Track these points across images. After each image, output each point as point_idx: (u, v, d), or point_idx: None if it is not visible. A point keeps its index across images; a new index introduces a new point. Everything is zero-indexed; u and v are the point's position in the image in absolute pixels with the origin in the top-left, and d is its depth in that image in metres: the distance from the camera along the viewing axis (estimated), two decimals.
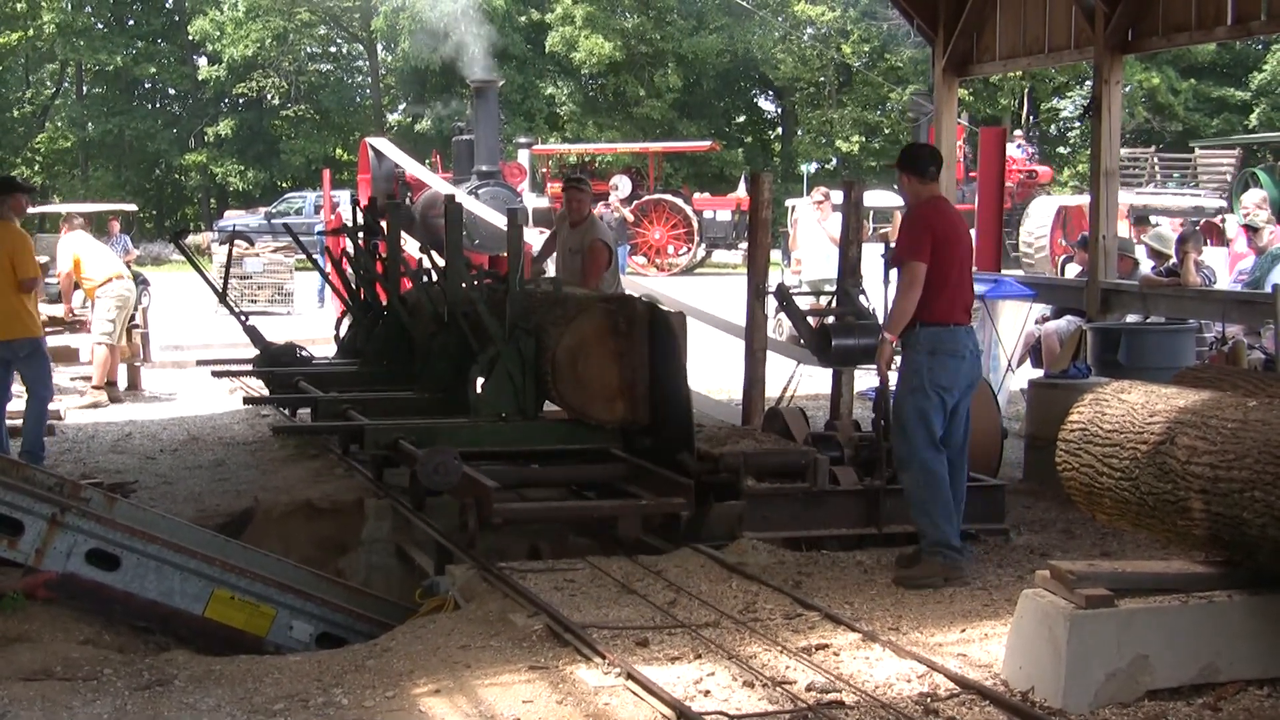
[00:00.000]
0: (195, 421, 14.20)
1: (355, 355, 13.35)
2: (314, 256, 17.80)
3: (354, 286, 14.28)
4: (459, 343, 10.63)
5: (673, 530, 8.50)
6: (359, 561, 9.45)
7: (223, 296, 13.76)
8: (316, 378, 12.33)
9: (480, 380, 9.67)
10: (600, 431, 9.42)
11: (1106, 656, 5.70)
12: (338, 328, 14.64)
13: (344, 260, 14.89)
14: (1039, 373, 13.03)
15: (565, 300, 9.68)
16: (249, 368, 13.92)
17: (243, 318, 13.78)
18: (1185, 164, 34.21)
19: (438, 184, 24.47)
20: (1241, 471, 5.81)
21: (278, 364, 13.20)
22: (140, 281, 26.02)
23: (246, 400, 13.16)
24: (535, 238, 21.28)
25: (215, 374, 14.59)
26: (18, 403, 12.02)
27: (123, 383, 16.51)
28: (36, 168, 59.10)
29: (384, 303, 13.20)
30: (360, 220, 14.11)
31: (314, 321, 25.82)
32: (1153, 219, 23.74)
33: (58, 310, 16.81)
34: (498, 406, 9.55)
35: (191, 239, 44.40)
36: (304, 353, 13.75)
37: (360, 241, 14.09)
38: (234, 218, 45.88)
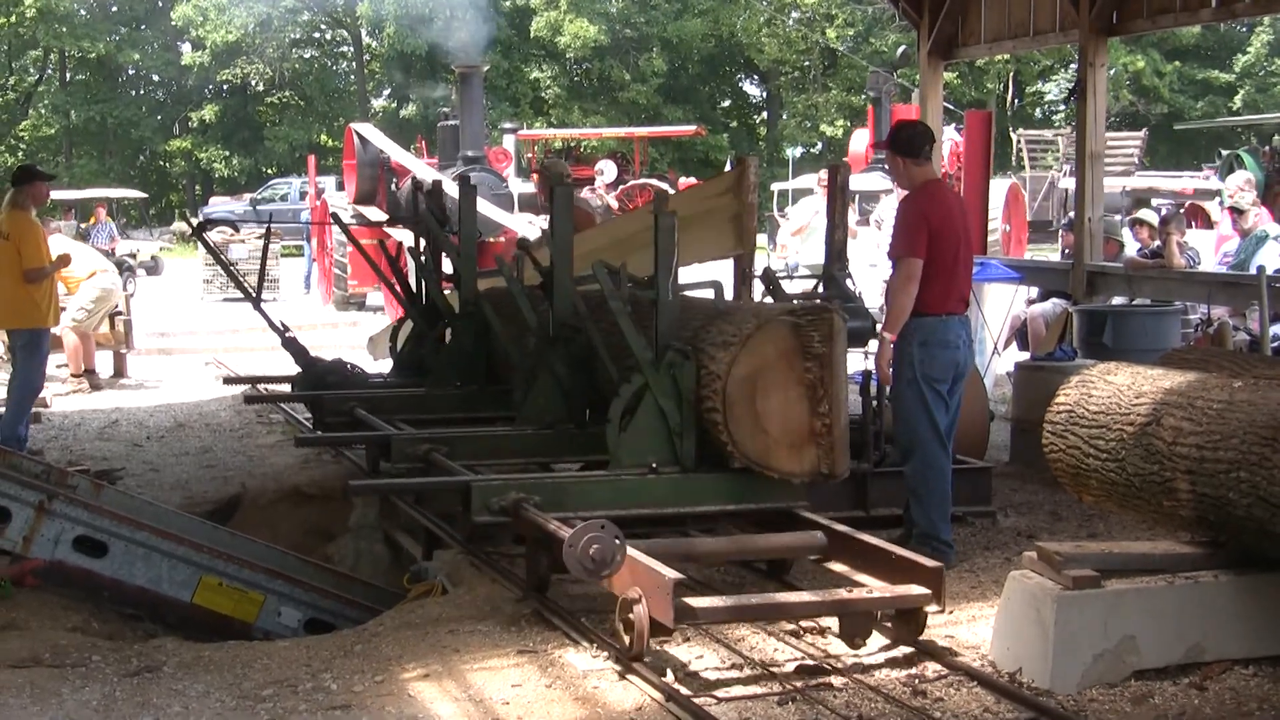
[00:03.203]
0: (182, 408, 14.19)
1: (417, 372, 10.86)
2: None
3: (415, 289, 11.55)
4: (571, 366, 8.36)
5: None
6: (347, 547, 9.44)
7: (256, 301, 11.17)
8: (374, 403, 9.79)
9: (619, 418, 7.24)
10: (783, 487, 7.12)
11: (1093, 637, 5.72)
12: (394, 338, 11.74)
13: (401, 256, 12.50)
14: (1025, 355, 13.05)
15: (734, 312, 7.30)
16: (286, 390, 11.45)
17: (281, 328, 11.12)
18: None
19: (423, 170, 24.43)
20: (1227, 452, 5.84)
21: (324, 385, 10.49)
22: (125, 269, 26.06)
23: (300, 442, 10.00)
24: (524, 226, 21.28)
25: (248, 399, 12.42)
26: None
27: (108, 370, 16.49)
28: (20, 155, 58.84)
29: (455, 308, 10.72)
30: (423, 207, 11.40)
31: (299, 308, 25.82)
32: (1155, 202, 23.80)
33: None
34: (644, 454, 7.11)
35: (178, 225, 44.36)
36: (353, 368, 11.15)
37: (415, 232, 11.73)
38: (219, 204, 45.84)
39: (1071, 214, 28.24)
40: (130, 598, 8.20)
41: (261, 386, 12.25)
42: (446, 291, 11.15)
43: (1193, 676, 5.78)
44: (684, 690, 5.58)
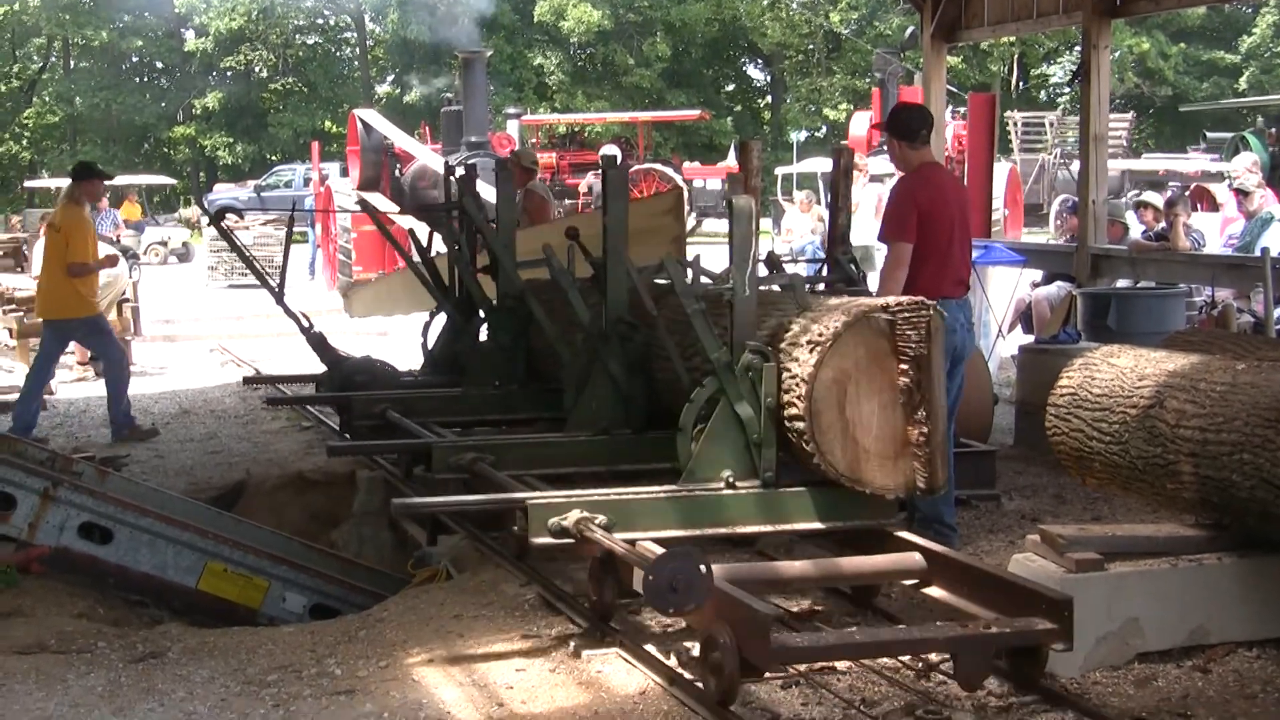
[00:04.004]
0: (187, 395, 14.21)
1: (450, 370, 10.14)
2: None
3: (448, 281, 10.65)
4: (628, 366, 7.73)
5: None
6: (351, 533, 9.44)
7: (280, 295, 10.64)
8: (407, 404, 9.14)
9: (691, 426, 6.57)
10: (875, 503, 6.38)
11: (1097, 620, 5.72)
12: (425, 333, 10.97)
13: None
14: (1029, 338, 13.04)
15: (818, 308, 6.51)
16: (312, 391, 10.92)
17: (308, 325, 10.58)
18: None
19: (427, 156, 24.45)
20: (1230, 434, 5.84)
21: (352, 385, 9.82)
22: (130, 256, 26.04)
23: (333, 451, 9.12)
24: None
25: (270, 402, 11.82)
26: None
27: None
28: (25, 143, 58.95)
29: (492, 301, 9.96)
30: (457, 192, 10.55)
31: (304, 294, 25.79)
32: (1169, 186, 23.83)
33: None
34: (720, 466, 6.40)
35: (183, 213, 44.35)
36: (382, 366, 10.42)
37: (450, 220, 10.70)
38: (223, 191, 45.84)
39: (1061, 197, 28.38)
40: (135, 584, 8.22)
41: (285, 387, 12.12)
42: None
43: (1196, 659, 5.78)
44: (687, 675, 5.58)
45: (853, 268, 8.92)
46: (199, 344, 18.89)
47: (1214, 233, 15.02)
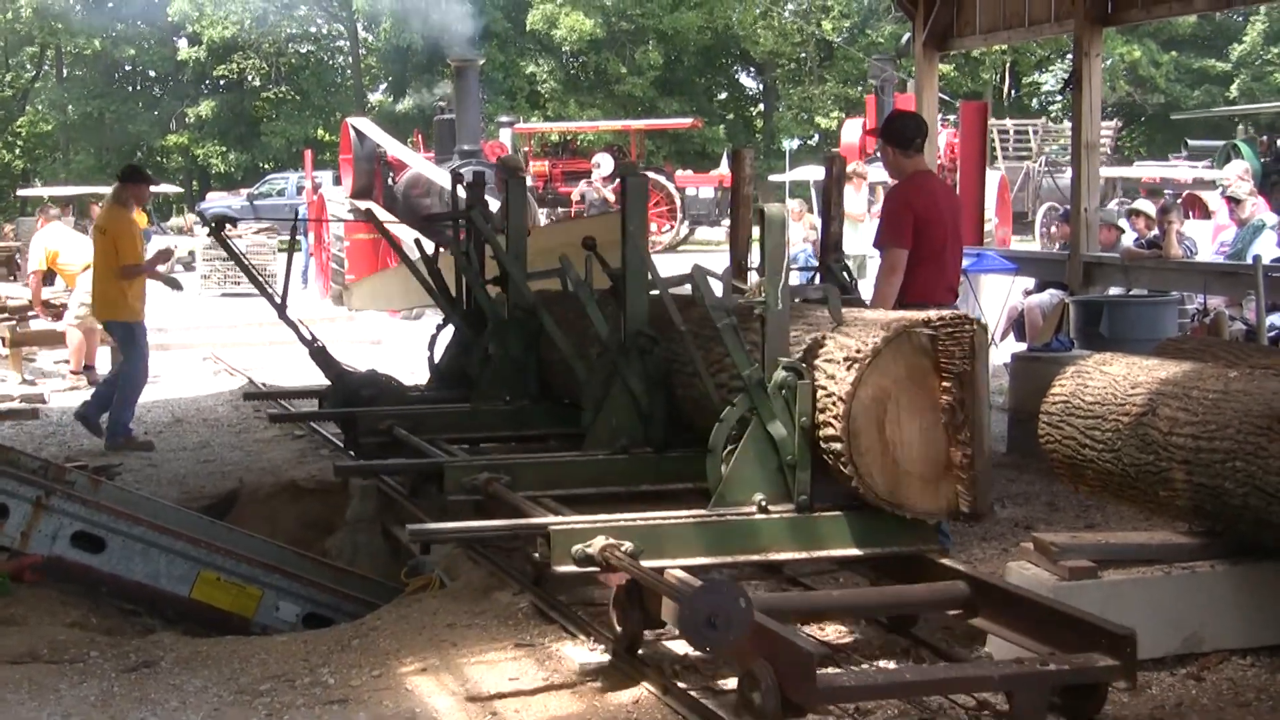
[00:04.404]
0: (179, 404, 14.19)
1: (458, 384, 9.83)
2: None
3: (455, 291, 10.32)
4: (648, 382, 7.38)
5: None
6: (344, 541, 9.44)
7: (282, 308, 10.27)
8: (414, 420, 8.79)
9: (722, 447, 6.22)
10: (915, 528, 6.09)
11: None
12: (432, 346, 10.62)
13: (439, 254, 10.84)
14: (1022, 346, 13.06)
15: (855, 323, 6.15)
16: (315, 408, 10.40)
17: (310, 339, 10.24)
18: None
19: (420, 164, 24.45)
20: (1223, 442, 5.85)
21: (358, 401, 9.45)
22: None
23: (340, 471, 8.53)
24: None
25: (274, 418, 11.30)
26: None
27: (106, 365, 16.46)
28: (18, 151, 58.88)
29: (502, 313, 9.51)
30: (465, 200, 10.16)
31: (297, 302, 25.73)
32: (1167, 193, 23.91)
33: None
34: (752, 490, 6.09)
35: (174, 221, 44.30)
36: (388, 380, 10.03)
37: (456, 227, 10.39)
38: (216, 199, 45.80)
39: (1047, 205, 28.44)
40: (128, 593, 8.21)
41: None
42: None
43: (1190, 667, 5.78)
44: (681, 683, 5.58)
45: (846, 276, 8.92)
46: (192, 353, 18.86)
47: (1206, 240, 15.06)
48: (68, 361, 15.88)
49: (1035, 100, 58.05)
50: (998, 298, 14.21)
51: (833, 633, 6.38)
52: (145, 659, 6.53)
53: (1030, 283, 14.61)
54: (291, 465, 10.75)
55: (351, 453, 9.27)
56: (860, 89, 54.20)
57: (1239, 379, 6.09)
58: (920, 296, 7.53)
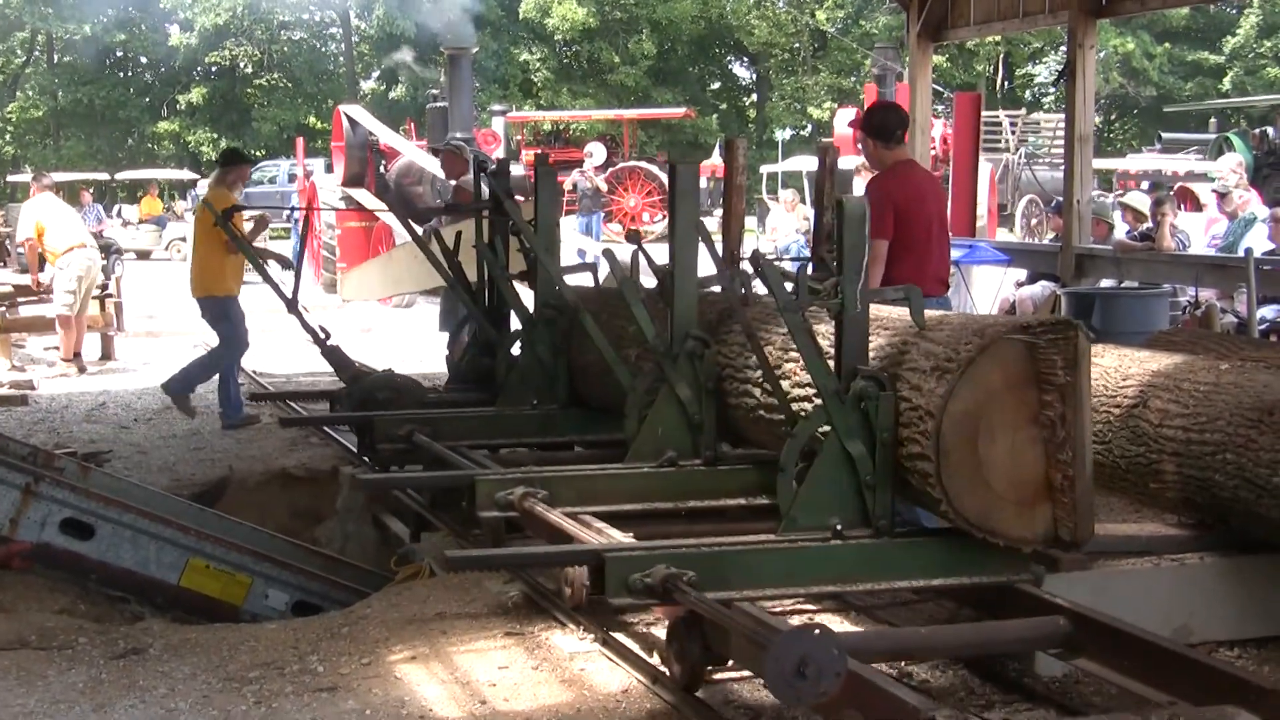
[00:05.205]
0: None
1: (480, 386, 9.33)
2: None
3: (479, 289, 9.73)
4: (698, 389, 6.76)
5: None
6: (334, 530, 9.43)
7: (293, 303, 9.94)
8: (435, 425, 8.23)
9: (793, 465, 5.67)
10: (1006, 556, 5.44)
11: None
12: (451, 344, 10.20)
13: (459, 244, 10.21)
14: None
15: (942, 328, 5.54)
16: (327, 411, 9.89)
17: (321, 334, 9.82)
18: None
19: (412, 152, 24.41)
20: (1214, 434, 5.85)
21: (374, 403, 8.97)
22: (113, 250, 26.02)
23: (365, 485, 8.15)
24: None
25: (283, 422, 10.41)
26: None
27: (96, 352, 16.45)
28: (8, 137, 58.75)
29: (530, 311, 8.94)
30: (488, 191, 9.46)
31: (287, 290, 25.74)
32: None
33: (26, 279, 16.80)
34: (826, 512, 5.53)
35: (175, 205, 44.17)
36: (405, 381, 9.42)
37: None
38: (205, 186, 45.69)
39: (1028, 197, 28.45)
40: (117, 580, 8.19)
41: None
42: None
43: None
44: (670, 673, 5.57)
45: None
46: (182, 339, 18.82)
47: (1198, 233, 15.09)
48: (57, 348, 15.84)
49: (1029, 92, 58.10)
50: (989, 289, 14.21)
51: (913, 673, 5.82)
52: (134, 646, 6.52)
53: (1022, 274, 14.61)
54: (282, 453, 10.74)
55: (366, 459, 8.73)
56: (854, 79, 54.29)
57: (1230, 372, 6.10)
58: None
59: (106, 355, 16.59)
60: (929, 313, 5.67)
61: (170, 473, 10.30)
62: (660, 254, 7.11)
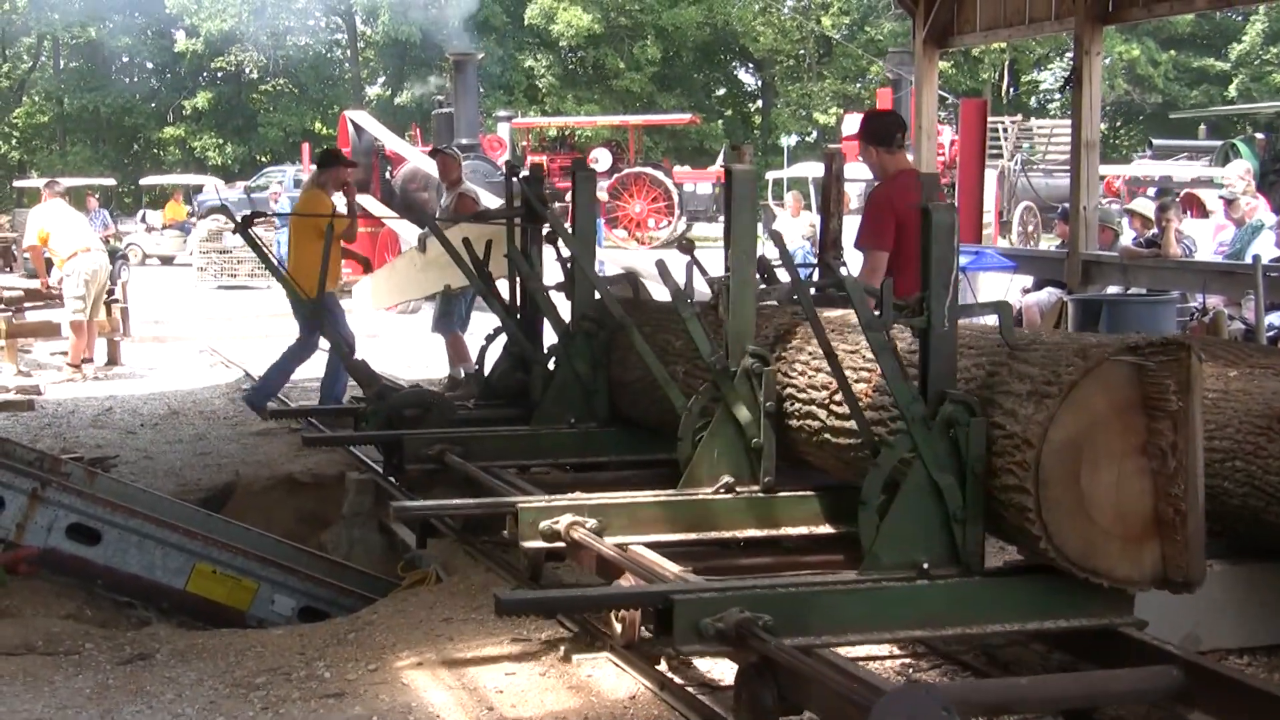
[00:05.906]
0: (175, 396, 14.17)
1: (513, 402, 8.85)
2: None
3: (512, 300, 9.23)
4: (756, 411, 6.29)
5: None
6: (341, 535, 9.41)
7: (317, 307, 9.75)
8: (467, 444, 7.85)
9: (875, 498, 5.16)
10: (1109, 598, 5.00)
11: None
12: (482, 358, 9.41)
13: (489, 255, 9.64)
14: None
15: (1039, 348, 5.04)
16: (351, 431, 9.36)
17: (350, 350, 9.50)
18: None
19: (417, 158, 24.44)
20: (1222, 442, 5.85)
21: (401, 421, 8.51)
22: (119, 256, 26.05)
23: (399, 512, 7.30)
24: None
25: (307, 441, 9.67)
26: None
27: (102, 358, 16.46)
28: (14, 143, 58.84)
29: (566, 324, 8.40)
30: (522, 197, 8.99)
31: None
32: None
33: (35, 284, 16.82)
34: (912, 550, 5.09)
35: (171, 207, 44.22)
36: (433, 396, 9.11)
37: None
38: (212, 193, 45.75)
39: (1024, 204, 28.44)
40: (124, 585, 8.19)
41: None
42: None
43: None
44: (678, 679, 5.56)
45: (844, 272, 8.83)
46: (188, 345, 18.86)
47: (1205, 239, 15.07)
48: (65, 354, 15.86)
49: (1034, 99, 58.10)
50: (995, 296, 14.18)
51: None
52: (140, 651, 6.51)
53: (1029, 281, 14.60)
54: (288, 459, 10.73)
55: (393, 479, 8.47)
56: (859, 85, 54.31)
57: (1239, 378, 6.09)
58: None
59: (113, 360, 16.61)
60: (1019, 332, 5.32)
61: (176, 478, 10.30)
62: (658, 255, 7.07)
